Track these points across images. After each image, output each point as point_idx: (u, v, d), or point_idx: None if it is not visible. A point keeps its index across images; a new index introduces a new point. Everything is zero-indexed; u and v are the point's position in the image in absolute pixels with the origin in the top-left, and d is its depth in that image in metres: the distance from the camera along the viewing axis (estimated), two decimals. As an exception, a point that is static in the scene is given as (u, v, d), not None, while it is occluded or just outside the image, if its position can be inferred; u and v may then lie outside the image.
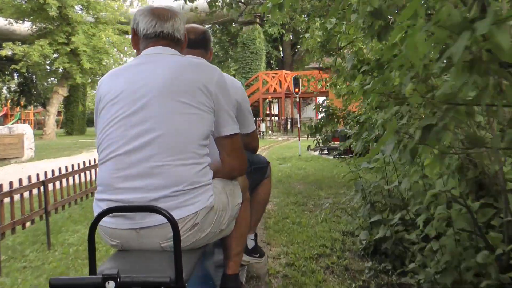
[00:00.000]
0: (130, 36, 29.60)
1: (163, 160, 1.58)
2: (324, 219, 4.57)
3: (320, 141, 9.30)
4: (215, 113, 1.74)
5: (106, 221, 1.60)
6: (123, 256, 1.59)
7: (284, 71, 25.95)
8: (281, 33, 21.45)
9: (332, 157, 10.69)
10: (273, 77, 26.31)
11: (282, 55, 32.91)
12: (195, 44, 2.28)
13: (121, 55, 50.96)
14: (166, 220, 1.41)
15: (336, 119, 7.03)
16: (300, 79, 10.54)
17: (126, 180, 1.59)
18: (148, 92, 1.64)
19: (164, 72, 1.68)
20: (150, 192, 1.56)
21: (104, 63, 26.77)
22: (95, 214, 1.56)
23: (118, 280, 1.25)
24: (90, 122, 49.75)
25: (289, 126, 23.78)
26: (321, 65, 8.39)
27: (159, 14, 1.81)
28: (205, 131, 1.69)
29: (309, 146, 13.24)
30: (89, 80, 28.82)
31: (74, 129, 29.89)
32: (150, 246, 1.61)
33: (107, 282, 1.25)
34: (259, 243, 3.04)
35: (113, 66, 33.31)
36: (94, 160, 5.87)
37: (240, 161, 1.89)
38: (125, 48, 26.74)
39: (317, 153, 12.25)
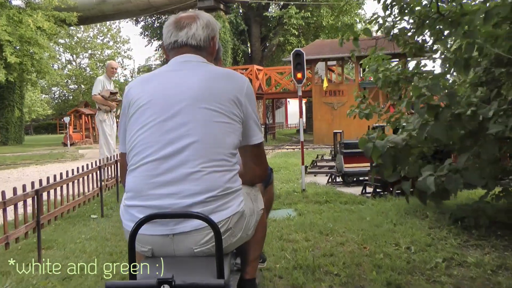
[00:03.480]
0: (67, 25, 24.50)
1: (198, 166, 1.61)
2: None
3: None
4: (243, 122, 1.77)
5: None
6: (155, 262, 1.58)
7: (256, 66, 21.34)
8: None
9: (360, 193, 6.18)
10: (241, 74, 21.75)
11: (250, 50, 28.41)
12: None
13: (69, 54, 45.75)
14: (200, 226, 1.56)
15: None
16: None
17: (160, 186, 1.61)
18: (182, 99, 1.67)
19: (197, 81, 1.71)
20: (184, 198, 1.59)
21: (37, 57, 21.23)
22: (124, 220, 1.68)
23: (173, 283, 1.28)
24: (30, 130, 44.67)
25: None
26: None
27: (177, 23, 1.83)
28: (235, 140, 1.73)
29: (306, 168, 8.70)
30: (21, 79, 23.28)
31: (9, 138, 24.19)
32: (183, 252, 1.63)
33: (162, 286, 1.28)
34: None
35: (51, 62, 27.82)
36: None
37: (264, 168, 1.98)
38: (76, 47, 21.24)
39: (321, 180, 7.74)
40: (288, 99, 40.20)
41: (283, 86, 22.76)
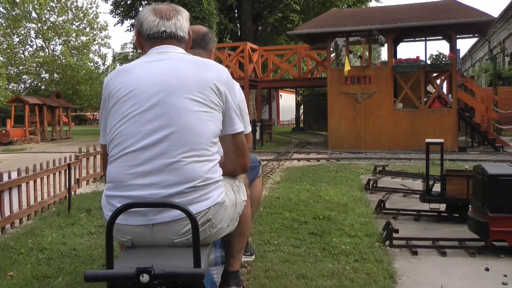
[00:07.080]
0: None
1: (178, 157, 1.61)
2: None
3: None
4: (223, 112, 1.76)
5: (118, 217, 1.49)
6: (135, 252, 1.59)
7: (249, 44, 16.40)
8: None
9: None
10: (229, 55, 16.82)
11: (239, 31, 23.45)
12: (194, 43, 2.21)
13: (41, 39, 40.78)
14: (179, 216, 1.54)
15: None
16: None
17: (139, 176, 1.61)
18: (161, 89, 1.66)
19: (176, 70, 1.70)
20: (164, 189, 1.59)
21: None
22: (105, 211, 1.67)
23: (152, 272, 1.27)
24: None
25: (258, 135, 14.24)
26: None
27: (162, 13, 1.81)
28: (216, 129, 1.72)
29: (389, 235, 3.75)
30: None
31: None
32: (163, 242, 1.62)
33: (141, 275, 1.26)
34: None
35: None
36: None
37: (245, 159, 1.91)
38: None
39: (427, 262, 2.82)
40: (280, 92, 35.27)
41: (285, 72, 17.92)
